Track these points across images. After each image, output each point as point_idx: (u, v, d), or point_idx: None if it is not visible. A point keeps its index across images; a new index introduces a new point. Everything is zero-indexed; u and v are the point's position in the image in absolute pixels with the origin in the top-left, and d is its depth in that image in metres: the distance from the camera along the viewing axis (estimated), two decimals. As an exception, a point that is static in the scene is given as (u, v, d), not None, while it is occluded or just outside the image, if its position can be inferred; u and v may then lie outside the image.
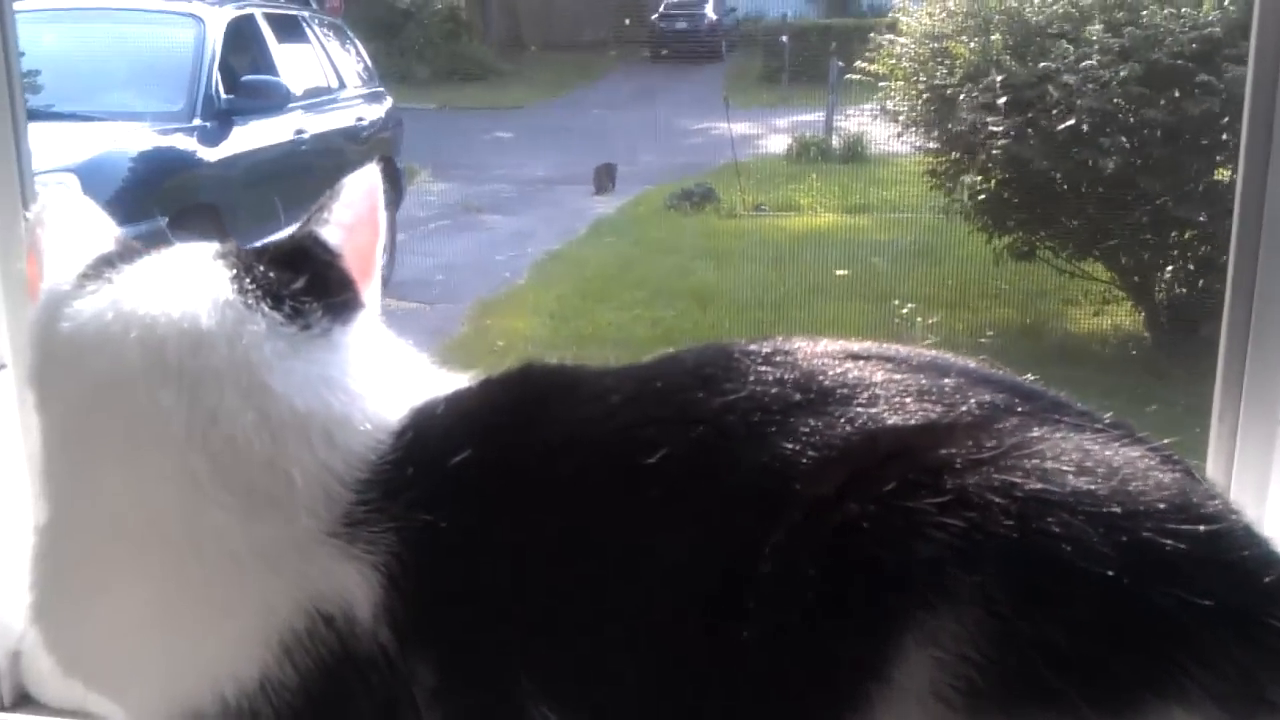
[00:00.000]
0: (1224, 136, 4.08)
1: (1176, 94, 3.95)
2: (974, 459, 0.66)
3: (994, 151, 4.38)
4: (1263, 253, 1.42)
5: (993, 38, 4.36)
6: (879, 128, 8.06)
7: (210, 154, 5.01)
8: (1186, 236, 4.51)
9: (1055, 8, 4.26)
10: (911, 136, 5.23)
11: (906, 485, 0.66)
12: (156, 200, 4.50)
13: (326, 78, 6.74)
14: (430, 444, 0.78)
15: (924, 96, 4.84)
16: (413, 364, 0.90)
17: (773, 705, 0.66)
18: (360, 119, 6.57)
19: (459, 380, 0.87)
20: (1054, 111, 4.15)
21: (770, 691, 0.66)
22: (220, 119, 5.18)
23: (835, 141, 10.55)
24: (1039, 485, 0.64)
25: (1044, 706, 0.62)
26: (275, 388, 0.77)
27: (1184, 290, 4.61)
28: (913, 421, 0.71)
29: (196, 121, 5.07)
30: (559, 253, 7.00)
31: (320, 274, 0.85)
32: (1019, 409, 0.72)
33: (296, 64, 6.29)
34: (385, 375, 0.84)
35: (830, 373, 0.76)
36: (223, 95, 5.27)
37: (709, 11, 26.92)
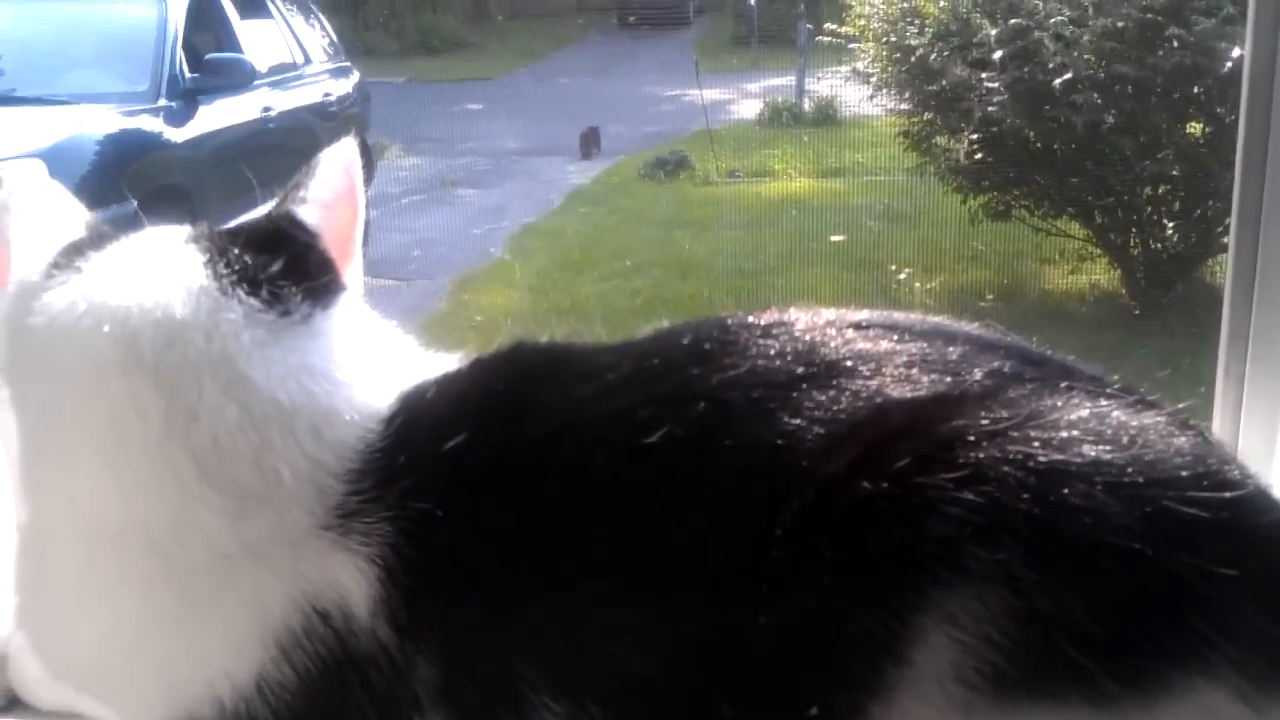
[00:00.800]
0: (1195, 89, 4.09)
1: (1146, 49, 3.94)
2: (987, 431, 0.64)
3: (966, 110, 4.37)
4: (1266, 200, 1.40)
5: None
6: (850, 90, 8.04)
7: (177, 134, 4.94)
8: (1160, 191, 4.52)
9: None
10: (883, 98, 5.20)
11: (919, 461, 0.64)
12: (125, 183, 4.44)
13: (292, 53, 6.65)
14: (422, 429, 0.76)
15: (895, 57, 4.82)
16: (399, 346, 0.87)
17: (788, 691, 0.65)
18: (328, 94, 6.50)
19: (447, 362, 0.84)
20: (1025, 69, 4.14)
21: (785, 677, 0.65)
22: (186, 99, 5.11)
23: (807, 105, 10.53)
24: (1056, 456, 0.63)
25: (1067, 683, 0.61)
26: (256, 380, 0.74)
27: (1159, 245, 4.62)
28: (922, 393, 0.69)
29: (162, 102, 5.00)
30: (535, 225, 6.95)
31: (299, 256, 0.82)
32: (1029, 376, 0.70)
33: (261, 40, 6.21)
34: (371, 360, 0.81)
35: (833, 344, 0.73)
36: (187, 74, 5.19)
37: (676, -24, 26.28)
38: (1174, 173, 4.23)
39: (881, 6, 4.88)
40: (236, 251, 0.79)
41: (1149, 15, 3.89)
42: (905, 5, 4.70)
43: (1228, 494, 0.65)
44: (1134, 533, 0.61)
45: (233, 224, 0.85)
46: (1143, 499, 0.63)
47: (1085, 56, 3.99)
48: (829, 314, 0.77)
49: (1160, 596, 0.62)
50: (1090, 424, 0.65)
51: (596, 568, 0.70)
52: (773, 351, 0.72)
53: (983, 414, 0.66)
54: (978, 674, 0.61)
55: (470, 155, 9.95)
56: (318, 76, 6.51)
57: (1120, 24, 3.93)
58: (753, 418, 0.69)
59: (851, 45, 5.22)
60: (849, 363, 0.71)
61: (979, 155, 4.65)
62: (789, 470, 0.67)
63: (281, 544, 0.73)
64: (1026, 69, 4.12)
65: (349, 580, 0.71)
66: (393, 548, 0.72)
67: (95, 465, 0.73)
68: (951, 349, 0.72)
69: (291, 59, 6.61)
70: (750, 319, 0.77)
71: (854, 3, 5.15)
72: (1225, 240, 4.42)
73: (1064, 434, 0.64)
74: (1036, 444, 0.63)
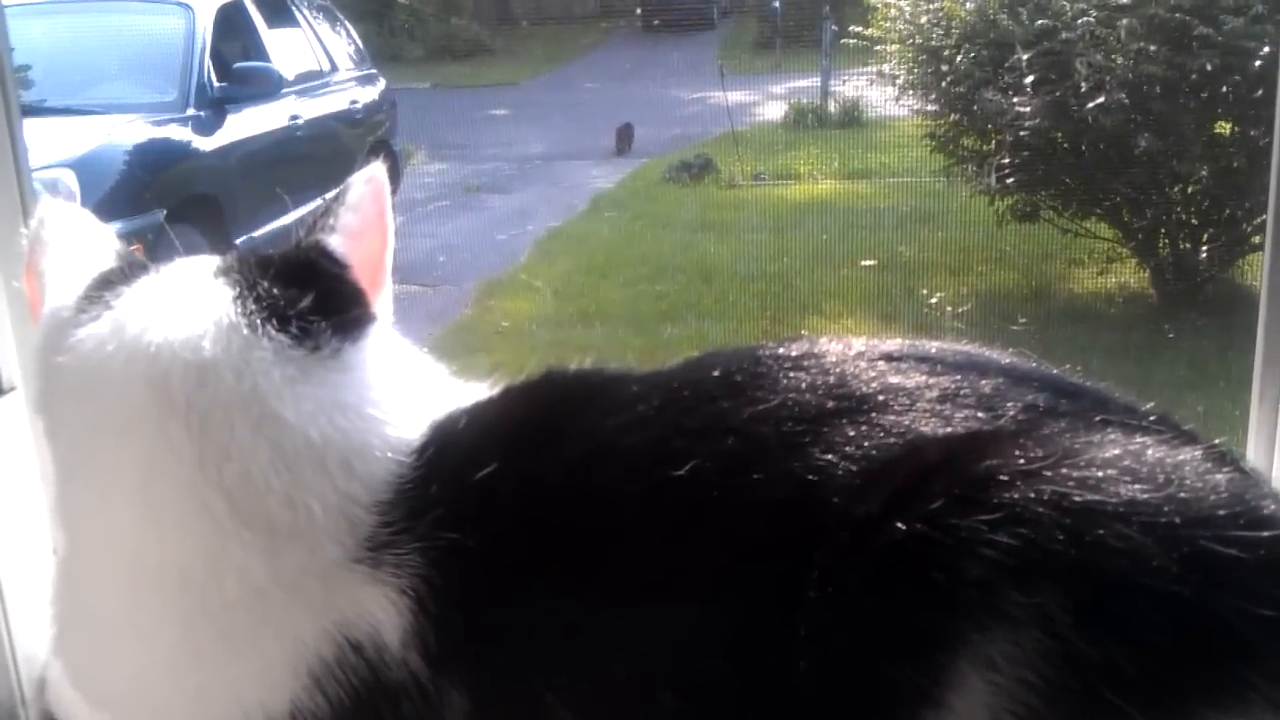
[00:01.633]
0: (1224, 89, 4.05)
1: (1174, 48, 3.92)
2: (1023, 470, 0.64)
3: (995, 114, 4.35)
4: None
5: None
6: (875, 92, 8.02)
7: (206, 143, 4.98)
8: (1189, 191, 4.48)
9: (1051, -35, 4.22)
10: (909, 100, 5.18)
11: (954, 501, 0.63)
12: (154, 192, 4.48)
13: (318, 61, 6.70)
14: (453, 459, 0.76)
15: (921, 58, 4.80)
16: (429, 375, 0.87)
17: None
18: (354, 102, 6.54)
19: (478, 391, 0.84)
20: (1052, 71, 4.11)
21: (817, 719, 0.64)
22: (214, 108, 5.15)
23: (831, 107, 10.51)
24: (1092, 496, 0.62)
25: None
26: (287, 418, 0.75)
27: (1188, 246, 4.58)
28: (956, 430, 0.68)
29: (190, 111, 5.04)
30: (560, 230, 6.97)
31: (329, 289, 0.82)
32: (1063, 410, 0.70)
33: (288, 49, 6.25)
34: (402, 391, 0.81)
35: (865, 377, 0.73)
36: (215, 83, 5.24)
37: (700, -21, 26.33)
38: (1203, 173, 4.19)
39: (907, 8, 4.86)
40: (266, 285, 0.79)
41: (1177, 15, 3.86)
42: (932, 7, 4.68)
43: (1266, 533, 0.64)
44: (1171, 574, 0.61)
45: (263, 253, 0.85)
46: (1180, 539, 0.62)
47: (1113, 57, 3.96)
48: (860, 345, 0.77)
49: (1199, 639, 0.62)
50: (1126, 462, 0.64)
51: (626, 601, 0.70)
52: (804, 385, 0.72)
53: (1017, 452, 0.65)
54: (1013, 716, 0.61)
55: (495, 160, 9.99)
56: (344, 84, 6.55)
57: (1148, 24, 3.90)
58: (785, 452, 0.69)
59: (877, 47, 5.20)
60: (881, 397, 0.71)
61: (1006, 160, 4.63)
62: (822, 508, 0.66)
63: (314, 577, 0.73)
64: (1054, 71, 4.10)
65: (381, 611, 0.72)
66: (424, 578, 0.72)
67: (130, 504, 0.74)
68: (985, 382, 0.72)
69: (318, 66, 6.65)
70: (781, 350, 0.77)
71: (879, 5, 5.13)
72: (1255, 240, 4.38)
73: (1099, 473, 0.63)
74: (1072, 484, 0.63)
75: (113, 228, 0.89)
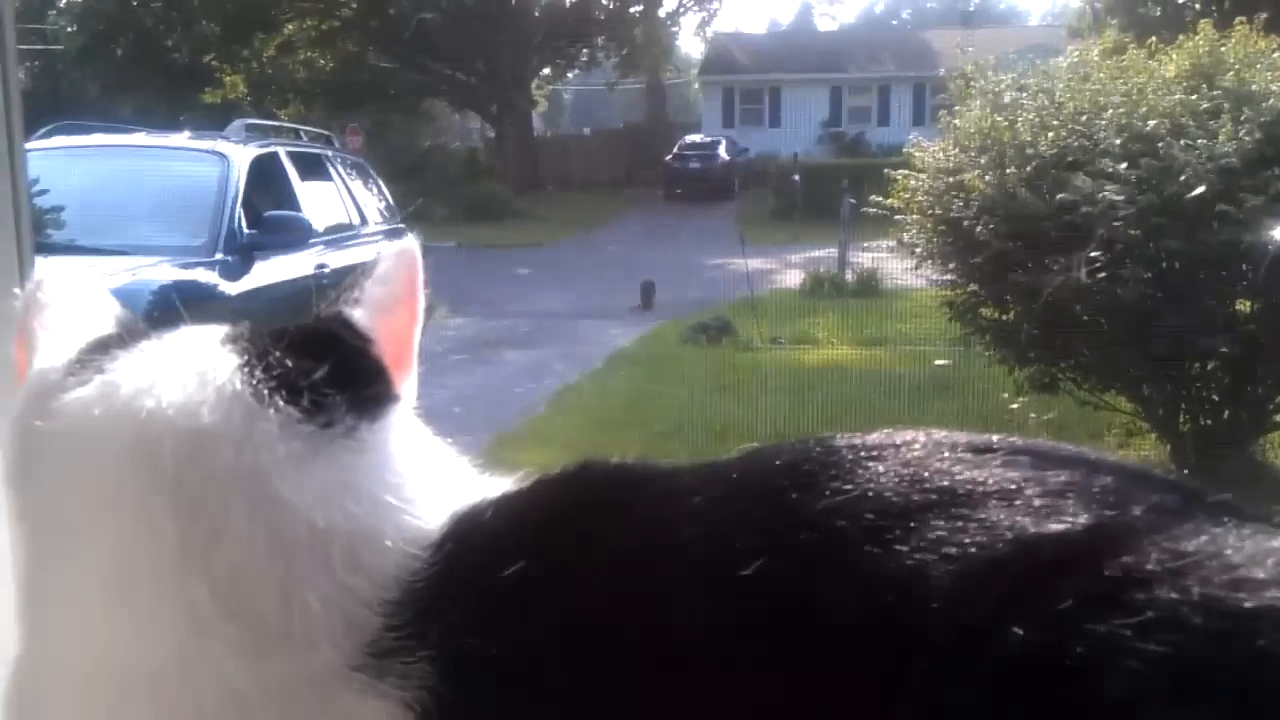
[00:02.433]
0: (1244, 266, 4.08)
1: (1194, 224, 3.95)
2: (1168, 569, 0.54)
3: (1015, 283, 4.37)
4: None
5: (1008, 171, 4.39)
6: (892, 262, 8.13)
7: (232, 288, 5.04)
8: (1209, 367, 4.46)
9: (1070, 140, 4.30)
10: (928, 269, 5.23)
11: (1087, 603, 0.53)
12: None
13: (348, 214, 6.83)
14: (476, 556, 0.66)
15: (940, 229, 4.86)
16: (453, 467, 0.77)
17: None
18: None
19: (505, 485, 0.73)
20: (1072, 242, 4.15)
21: None
22: (242, 253, 5.22)
23: (849, 276, 10.68)
24: (1249, 600, 0.53)
25: None
26: (290, 499, 0.65)
27: (1209, 422, 4.54)
28: (1078, 525, 0.58)
29: (219, 256, 5.11)
30: (577, 385, 6.97)
31: (347, 361, 0.73)
32: (1192, 511, 0.60)
33: (319, 200, 6.39)
34: (421, 479, 0.72)
35: (958, 469, 0.63)
36: (245, 230, 5.33)
37: (722, 152, 27.42)
38: (1222, 349, 4.18)
39: (927, 180, 4.95)
40: (278, 355, 0.71)
41: (1196, 192, 3.91)
42: (950, 180, 4.76)
43: None
44: None
45: (278, 325, 0.78)
46: None
47: (1133, 231, 3.99)
48: (943, 435, 0.67)
49: None
50: (1271, 562, 0.56)
51: None
52: (883, 475, 0.62)
53: (1153, 551, 0.55)
54: None
55: (516, 317, 10.12)
56: (373, 237, 6.66)
57: (1168, 201, 3.94)
58: (867, 549, 0.59)
59: (897, 217, 5.27)
60: (980, 490, 0.61)
61: (1025, 326, 4.63)
62: (918, 613, 0.56)
63: (305, 685, 0.64)
64: (1073, 244, 4.13)
65: None
66: (433, 692, 0.62)
67: (100, 592, 0.65)
68: (1100, 479, 0.62)
69: (348, 219, 6.79)
70: (856, 439, 0.66)
71: (898, 176, 5.23)
72: (1277, 419, 4.32)
73: (1251, 573, 0.53)
74: (1224, 585, 0.53)
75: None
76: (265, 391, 0.68)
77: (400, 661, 0.63)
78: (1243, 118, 4.00)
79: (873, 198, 5.62)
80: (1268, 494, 4.22)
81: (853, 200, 10.54)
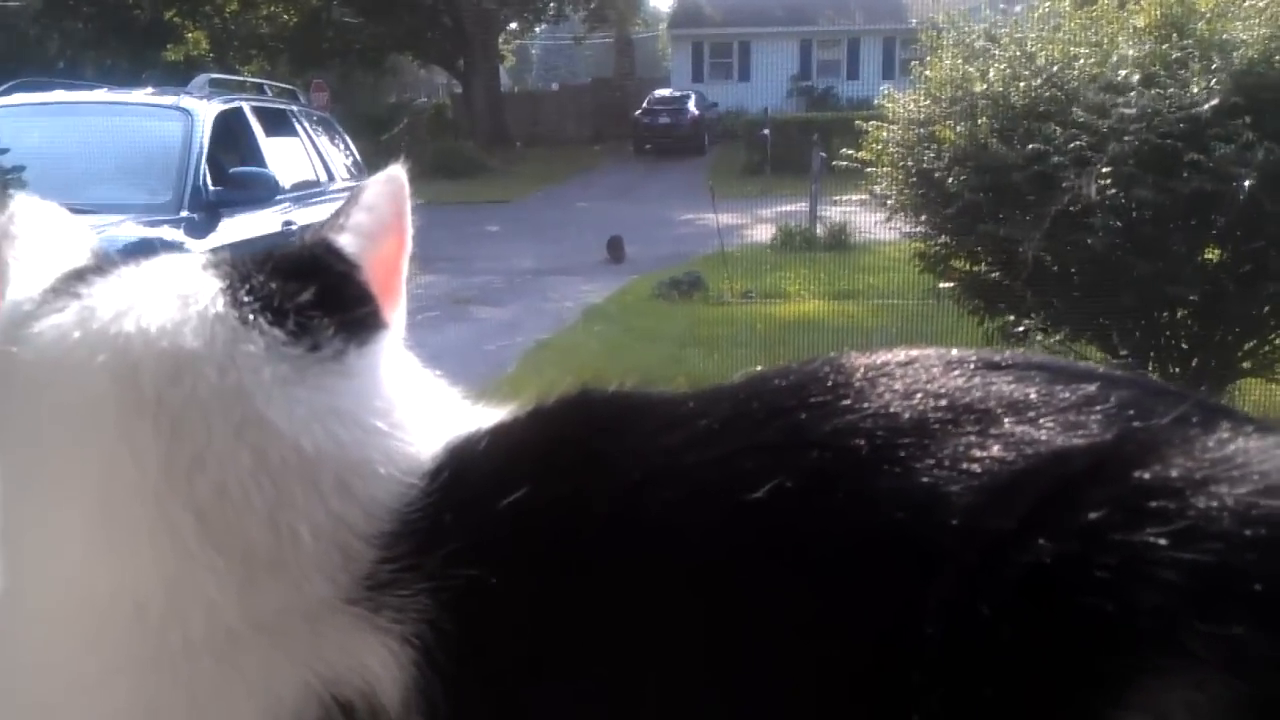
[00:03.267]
0: (1212, 215, 4.09)
1: (1164, 174, 3.96)
2: (1199, 478, 0.52)
3: (984, 233, 4.38)
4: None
5: (979, 121, 4.38)
6: (863, 215, 8.13)
7: (198, 246, 4.96)
8: (1178, 316, 4.49)
9: (1041, 91, 4.29)
10: (899, 222, 5.23)
11: (1121, 512, 0.51)
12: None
13: (315, 171, 6.75)
14: (473, 484, 0.63)
15: (911, 180, 4.85)
16: (444, 396, 0.74)
17: None
18: (347, 199, 6.58)
19: (499, 415, 0.71)
20: (1043, 194, 4.15)
21: None
22: (208, 210, 5.16)
23: (819, 230, 10.68)
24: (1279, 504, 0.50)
25: None
26: (276, 423, 0.63)
27: (1178, 369, 4.58)
28: (1104, 436, 0.56)
29: (184, 213, 5.04)
30: (549, 342, 6.95)
31: (334, 285, 0.70)
32: (1213, 422, 0.58)
33: (285, 157, 6.30)
34: (412, 407, 0.69)
35: (974, 384, 0.60)
36: (210, 187, 5.26)
37: (691, 106, 27.30)
38: (1191, 297, 4.20)
39: (898, 131, 4.93)
40: (261, 278, 0.68)
41: (1168, 141, 3.92)
42: (922, 131, 4.75)
43: None
44: None
45: (261, 251, 0.75)
46: None
47: (1103, 181, 4.00)
48: (957, 353, 0.65)
49: None
50: None
51: (691, 654, 0.57)
52: (895, 393, 0.60)
53: (1185, 460, 0.53)
54: None
55: (486, 274, 10.05)
56: (340, 193, 6.59)
57: (1138, 149, 3.95)
58: (882, 467, 0.56)
59: (868, 169, 5.26)
60: (999, 406, 0.59)
61: (996, 277, 4.65)
62: (937, 529, 0.54)
63: (297, 619, 0.61)
64: (1045, 195, 4.14)
65: (378, 664, 0.60)
66: (433, 625, 0.60)
67: (82, 520, 0.62)
68: (1121, 392, 0.60)
69: (315, 176, 6.71)
70: (862, 359, 0.64)
71: (870, 129, 5.21)
72: (1245, 365, 4.36)
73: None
74: (1257, 493, 0.51)
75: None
76: (249, 314, 0.66)
77: (397, 594, 0.61)
78: (1214, 67, 4.01)
79: (844, 150, 5.60)
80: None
81: (823, 154, 10.52)
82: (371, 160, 7.88)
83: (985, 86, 4.47)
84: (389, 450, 0.66)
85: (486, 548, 0.61)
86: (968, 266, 4.88)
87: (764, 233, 10.76)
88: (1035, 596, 0.51)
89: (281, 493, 0.62)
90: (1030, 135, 4.20)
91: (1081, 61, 4.31)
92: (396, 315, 0.76)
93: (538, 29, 32.68)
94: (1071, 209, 4.07)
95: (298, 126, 6.87)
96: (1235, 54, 4.00)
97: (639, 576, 0.58)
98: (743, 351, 6.06)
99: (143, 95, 6.34)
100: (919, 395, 0.60)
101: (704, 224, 10.62)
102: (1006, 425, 0.57)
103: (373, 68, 25.79)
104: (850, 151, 5.48)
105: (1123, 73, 4.15)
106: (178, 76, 11.63)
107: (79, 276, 0.69)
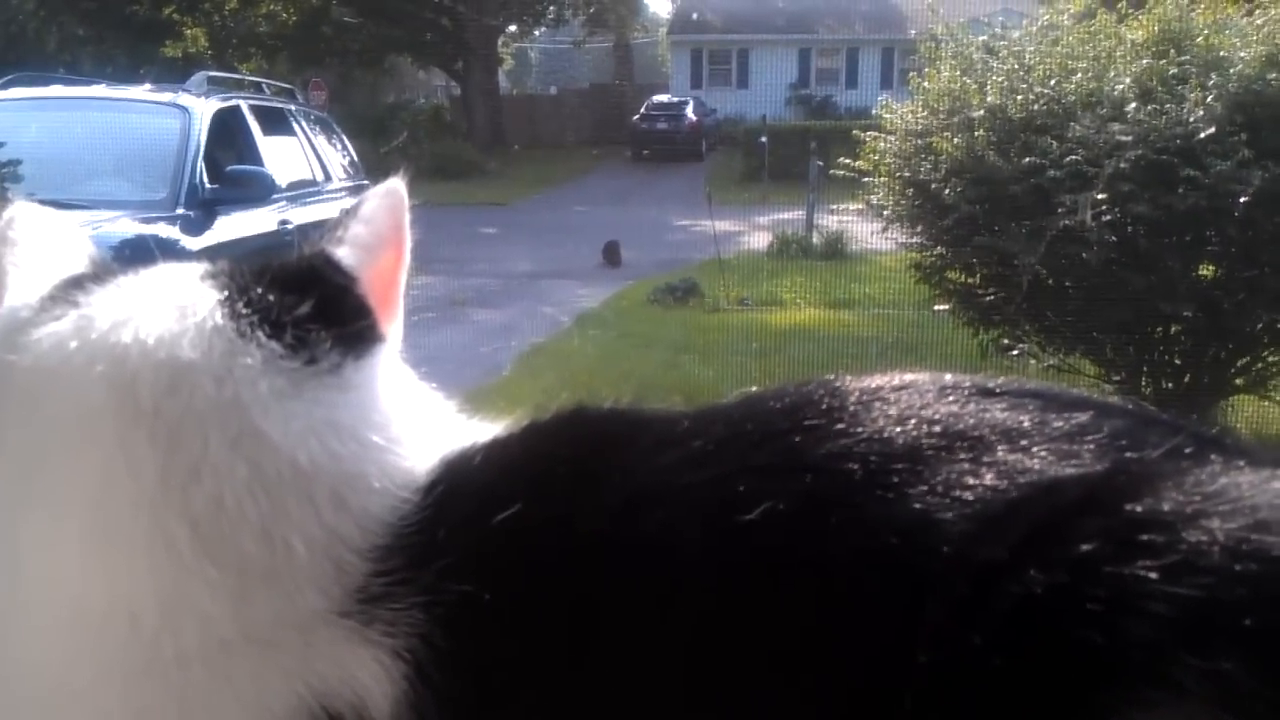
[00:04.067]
0: (1208, 232, 4.10)
1: (1160, 189, 3.97)
2: (1191, 511, 0.52)
3: (980, 245, 4.38)
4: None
5: (977, 134, 4.39)
6: (860, 225, 8.14)
7: (193, 243, 4.96)
8: (1172, 331, 4.50)
9: (1039, 105, 4.30)
10: (895, 232, 5.23)
11: (1112, 545, 0.52)
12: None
13: (312, 170, 6.75)
14: (468, 499, 0.64)
15: (908, 191, 4.86)
16: (440, 411, 0.75)
17: None
18: (345, 211, 6.57)
19: (493, 430, 0.72)
20: (1039, 207, 4.16)
21: None
22: (204, 208, 5.15)
23: (816, 238, 10.69)
24: (1273, 540, 0.51)
25: None
26: (272, 435, 0.63)
27: (1171, 385, 4.59)
28: (1096, 467, 0.56)
29: (180, 210, 5.04)
30: (543, 345, 6.95)
31: (332, 298, 0.71)
32: (1209, 453, 0.58)
33: (282, 156, 6.30)
34: (408, 421, 0.70)
35: (967, 411, 0.61)
36: (207, 185, 5.25)
37: (689, 113, 27.27)
38: (1185, 313, 4.21)
39: (896, 142, 4.94)
40: (260, 290, 0.69)
41: (1164, 157, 3.93)
42: (920, 142, 4.75)
43: None
44: None
45: (260, 262, 0.76)
46: None
47: (1099, 196, 4.01)
48: (951, 378, 0.65)
49: None
50: None
51: (685, 675, 0.57)
52: (888, 418, 0.61)
53: (1176, 492, 0.53)
54: None
55: (482, 276, 10.05)
56: (336, 193, 6.59)
57: (1135, 165, 3.96)
58: (875, 493, 0.57)
59: (865, 179, 5.27)
60: (992, 434, 0.59)
61: (991, 290, 4.66)
62: (929, 556, 0.54)
63: (290, 631, 0.62)
64: (1040, 208, 4.14)
65: (369, 678, 0.60)
66: (425, 639, 0.61)
67: (76, 529, 0.63)
68: (1114, 422, 0.61)
69: (312, 175, 6.70)
70: (857, 383, 0.65)
71: (867, 139, 5.22)
72: (1238, 382, 4.36)
73: (1273, 515, 0.52)
74: (1248, 528, 0.51)
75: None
76: (246, 326, 0.66)
77: (390, 608, 0.61)
78: (1210, 83, 4.02)
79: (841, 160, 5.60)
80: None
81: (820, 162, 10.53)
82: (370, 164, 7.89)
83: (982, 99, 4.48)
84: (384, 464, 0.66)
85: (480, 563, 0.61)
86: (963, 279, 4.89)
87: (760, 240, 10.78)
88: (1026, 627, 0.51)
89: (276, 505, 0.63)
90: (1027, 149, 4.21)
91: (1079, 76, 4.32)
92: (394, 328, 0.77)
93: (537, 33, 32.70)
94: (1067, 223, 4.07)
95: (295, 126, 6.86)
96: (1233, 71, 4.02)
97: (631, 595, 0.59)
98: (738, 358, 6.06)
99: (140, 91, 6.34)
100: (913, 421, 0.60)
101: (701, 230, 10.63)
102: (999, 453, 0.58)
103: (371, 68, 25.79)
104: (848, 161, 5.48)
105: (1119, 88, 4.16)
106: (176, 73, 11.63)
107: (77, 284, 0.70)
